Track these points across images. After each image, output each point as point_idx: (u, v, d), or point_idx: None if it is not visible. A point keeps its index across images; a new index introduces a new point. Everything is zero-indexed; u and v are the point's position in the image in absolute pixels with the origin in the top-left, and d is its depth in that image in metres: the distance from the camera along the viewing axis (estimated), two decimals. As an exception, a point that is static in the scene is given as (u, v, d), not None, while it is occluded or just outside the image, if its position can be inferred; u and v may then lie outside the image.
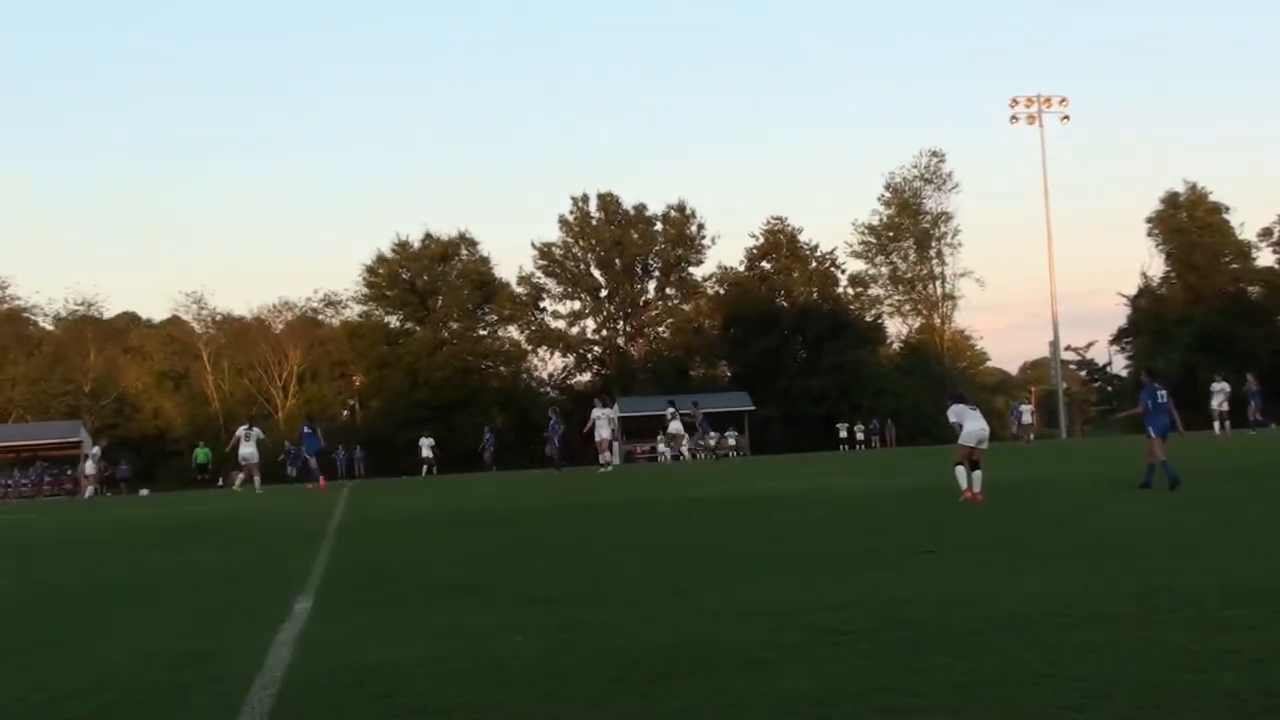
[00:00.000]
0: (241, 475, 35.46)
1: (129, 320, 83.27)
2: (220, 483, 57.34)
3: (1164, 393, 16.91)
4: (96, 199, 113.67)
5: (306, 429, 37.47)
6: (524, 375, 78.40)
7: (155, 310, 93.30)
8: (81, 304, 76.82)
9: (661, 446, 52.16)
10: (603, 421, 34.19)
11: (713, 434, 47.45)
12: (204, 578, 11.31)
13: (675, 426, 42.47)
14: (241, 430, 34.69)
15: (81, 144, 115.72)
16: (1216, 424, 36.74)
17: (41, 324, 77.28)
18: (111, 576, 11.99)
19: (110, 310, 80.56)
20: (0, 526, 24.58)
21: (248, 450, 33.54)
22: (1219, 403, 37.32)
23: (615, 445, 55.85)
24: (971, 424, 15.69)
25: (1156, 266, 77.88)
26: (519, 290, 77.37)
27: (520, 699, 5.21)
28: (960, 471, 15.36)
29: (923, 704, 4.76)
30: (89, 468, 47.48)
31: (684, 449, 38.73)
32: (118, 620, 8.54)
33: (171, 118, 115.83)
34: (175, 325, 78.84)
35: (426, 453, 51.85)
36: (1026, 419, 51.98)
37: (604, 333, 78.21)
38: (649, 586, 8.78)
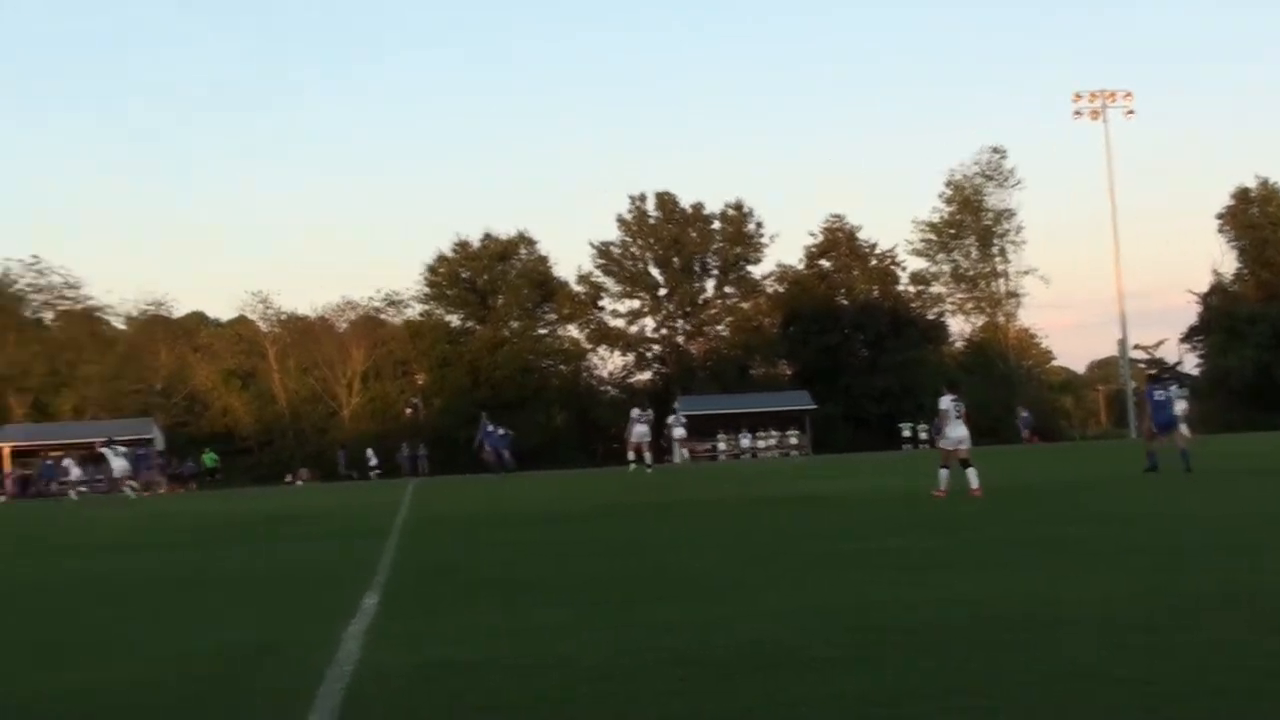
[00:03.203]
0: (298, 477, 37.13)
1: (197, 320, 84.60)
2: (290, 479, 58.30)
3: (1163, 393, 20.18)
4: (164, 200, 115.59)
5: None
6: (584, 374, 78.64)
7: (222, 310, 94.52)
8: (152, 304, 78.18)
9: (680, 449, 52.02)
10: (639, 425, 35.01)
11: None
12: (275, 573, 11.54)
13: (679, 432, 43.72)
14: (106, 449, 37.68)
15: (147, 148, 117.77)
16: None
17: (114, 323, 78.76)
18: (185, 571, 12.29)
19: (179, 310, 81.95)
20: (83, 521, 25.17)
21: (119, 464, 35.44)
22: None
23: (675, 446, 56.14)
24: (954, 431, 16.23)
25: (1228, 263, 76.52)
26: (578, 289, 77.52)
27: (583, 698, 5.27)
28: (944, 473, 15.92)
29: (993, 705, 4.75)
30: (118, 466, 39.92)
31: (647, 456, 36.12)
32: (192, 614, 8.78)
33: (238, 120, 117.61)
34: (242, 324, 79.99)
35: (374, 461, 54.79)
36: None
37: (663, 331, 78.14)
38: (710, 586, 8.82)
